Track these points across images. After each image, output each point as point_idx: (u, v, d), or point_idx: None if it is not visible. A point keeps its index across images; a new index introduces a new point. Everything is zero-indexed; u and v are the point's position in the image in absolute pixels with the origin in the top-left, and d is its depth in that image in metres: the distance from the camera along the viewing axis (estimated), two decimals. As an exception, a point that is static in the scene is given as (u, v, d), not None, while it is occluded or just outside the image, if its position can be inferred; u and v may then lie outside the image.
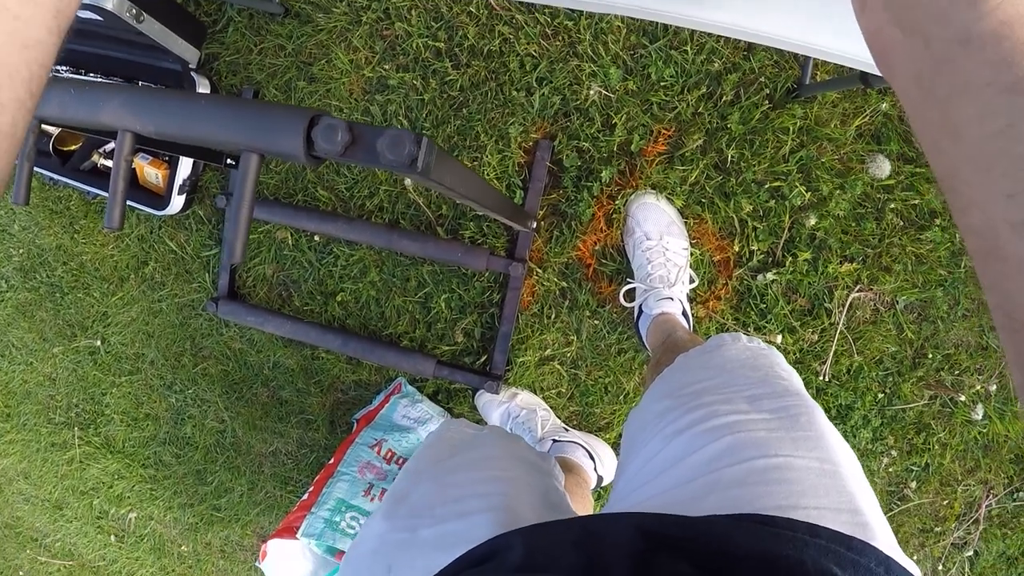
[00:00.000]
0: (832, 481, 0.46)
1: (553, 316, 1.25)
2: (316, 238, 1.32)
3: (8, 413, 1.75)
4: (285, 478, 1.49)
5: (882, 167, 1.19)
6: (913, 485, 1.25)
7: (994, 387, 1.22)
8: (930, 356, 1.21)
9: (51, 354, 1.64)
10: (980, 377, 1.22)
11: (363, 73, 1.23)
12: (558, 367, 1.28)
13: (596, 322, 1.25)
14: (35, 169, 1.40)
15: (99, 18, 1.10)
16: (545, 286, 1.24)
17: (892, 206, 1.20)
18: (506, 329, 1.24)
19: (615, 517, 0.44)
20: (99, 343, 1.57)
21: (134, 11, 1.10)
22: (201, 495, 1.58)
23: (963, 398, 1.22)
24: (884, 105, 1.18)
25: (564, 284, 1.24)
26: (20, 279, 1.63)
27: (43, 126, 1.39)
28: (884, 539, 0.42)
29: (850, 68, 1.14)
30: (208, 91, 1.25)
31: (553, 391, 1.30)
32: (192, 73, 1.26)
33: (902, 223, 1.21)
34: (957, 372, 1.21)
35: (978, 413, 1.23)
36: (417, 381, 1.34)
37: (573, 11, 1.15)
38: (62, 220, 1.52)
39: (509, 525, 0.48)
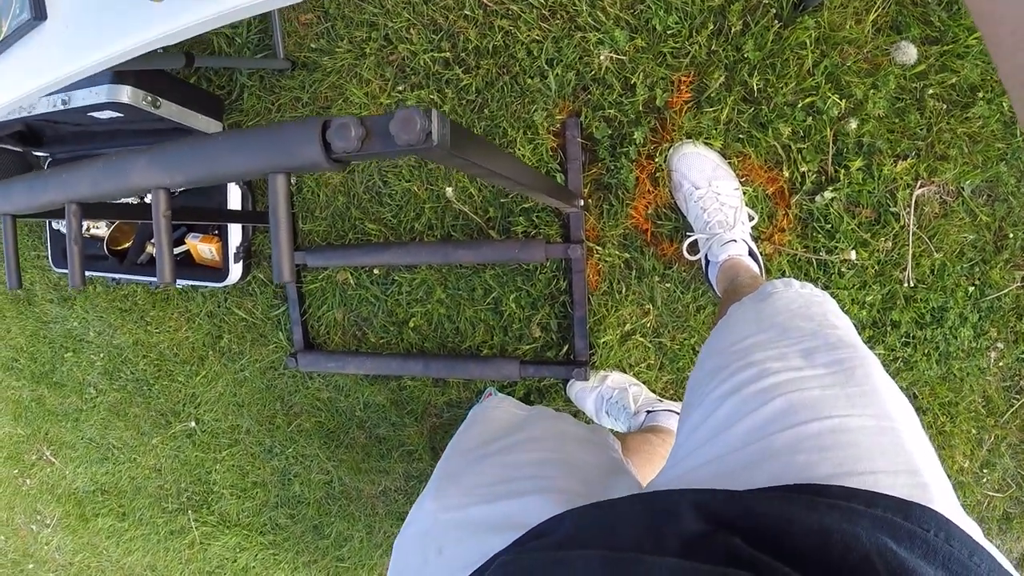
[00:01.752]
0: (889, 439, 0.44)
1: (624, 290, 1.24)
2: (376, 271, 1.34)
3: (123, 512, 1.82)
4: (400, 514, 1.51)
5: (908, 53, 1.15)
6: None
7: None
8: (1011, 235, 1.16)
9: (151, 446, 1.70)
10: (1070, 249, 1.16)
11: (380, 101, 1.25)
12: (641, 340, 1.27)
13: (668, 285, 1.24)
14: (96, 273, 1.47)
15: (120, 115, 1.15)
16: (608, 262, 1.23)
17: (931, 91, 1.15)
18: (580, 313, 1.24)
19: (666, 494, 0.43)
20: (194, 424, 1.63)
21: (149, 98, 1.15)
22: (322, 549, 1.62)
23: None
24: None
25: (627, 255, 1.23)
26: (107, 382, 1.70)
27: (92, 230, 1.45)
28: (943, 500, 0.40)
29: None
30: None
31: (642, 364, 1.29)
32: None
33: (945, 106, 1.16)
34: None
35: None
36: (507, 387, 1.35)
37: (567, -14, 1.15)
38: (133, 316, 1.59)
39: (562, 505, 0.48)
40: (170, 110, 1.20)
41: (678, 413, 1.21)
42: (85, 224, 1.49)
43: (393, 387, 1.40)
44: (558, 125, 1.21)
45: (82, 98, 1.11)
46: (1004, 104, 1.14)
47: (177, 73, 1.25)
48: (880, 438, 0.44)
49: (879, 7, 1.15)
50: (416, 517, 0.59)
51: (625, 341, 1.27)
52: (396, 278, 1.33)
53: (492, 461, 0.62)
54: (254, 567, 1.72)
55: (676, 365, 1.28)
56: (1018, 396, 1.20)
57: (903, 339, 1.19)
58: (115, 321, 1.60)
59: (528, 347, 1.31)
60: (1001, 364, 1.19)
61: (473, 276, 1.29)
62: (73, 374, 1.77)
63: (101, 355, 1.68)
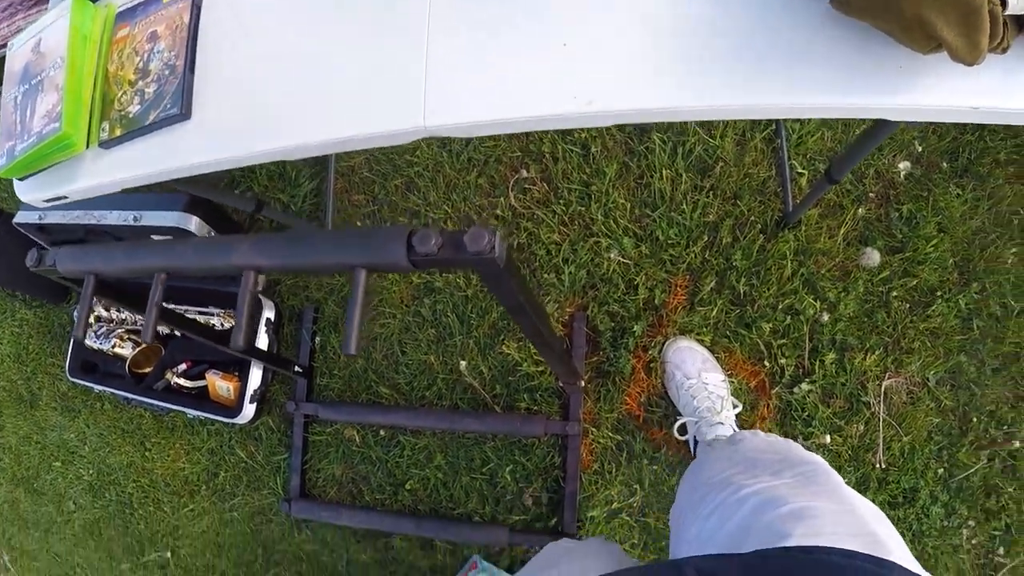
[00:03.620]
0: (850, 517, 0.52)
1: (614, 470, 1.31)
2: (382, 432, 1.41)
3: (76, 646, 1.72)
4: None
5: (872, 257, 1.30)
6: (1001, 551, 1.24)
7: None
8: (975, 419, 1.25)
9: (119, 571, 1.65)
10: (1027, 425, 1.25)
11: (411, 280, 1.38)
12: (627, 519, 1.31)
13: (655, 467, 1.31)
14: (110, 390, 1.51)
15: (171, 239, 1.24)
16: (601, 443, 1.31)
17: (895, 293, 1.29)
18: (571, 488, 1.29)
19: (673, 562, 0.50)
20: (169, 555, 1.59)
21: (210, 231, 1.25)
22: None
23: (1018, 445, 1.24)
24: (860, 211, 1.32)
25: (619, 437, 1.31)
26: (89, 499, 1.68)
27: (117, 349, 1.51)
28: (901, 554, 0.47)
29: (815, 179, 1.29)
30: (274, 315, 1.40)
31: (626, 543, 1.32)
32: (259, 296, 1.41)
33: (908, 306, 1.29)
34: (1005, 426, 1.24)
35: None
36: (492, 556, 1.37)
37: (583, 197, 1.33)
38: (134, 439, 1.61)
39: None
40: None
41: None
42: (112, 340, 1.56)
43: (380, 546, 1.41)
44: (567, 316, 1.34)
45: (153, 219, 1.21)
46: (961, 302, 1.28)
47: (233, 213, 1.35)
48: (842, 516, 0.51)
49: (848, 223, 1.32)
50: None
51: (612, 519, 1.32)
52: (400, 440, 1.39)
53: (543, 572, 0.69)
54: None
55: (659, 545, 1.32)
56: (992, 573, 1.23)
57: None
58: (114, 440, 1.62)
59: (518, 517, 1.35)
60: (974, 542, 1.23)
61: (474, 447, 1.36)
62: (56, 484, 1.74)
63: (91, 471, 1.68)
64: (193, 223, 1.22)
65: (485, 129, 0.60)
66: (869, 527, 0.50)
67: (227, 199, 1.18)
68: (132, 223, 1.23)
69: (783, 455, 0.70)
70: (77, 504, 1.70)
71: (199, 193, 1.09)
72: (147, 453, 1.61)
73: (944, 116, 0.52)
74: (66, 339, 1.71)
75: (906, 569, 0.43)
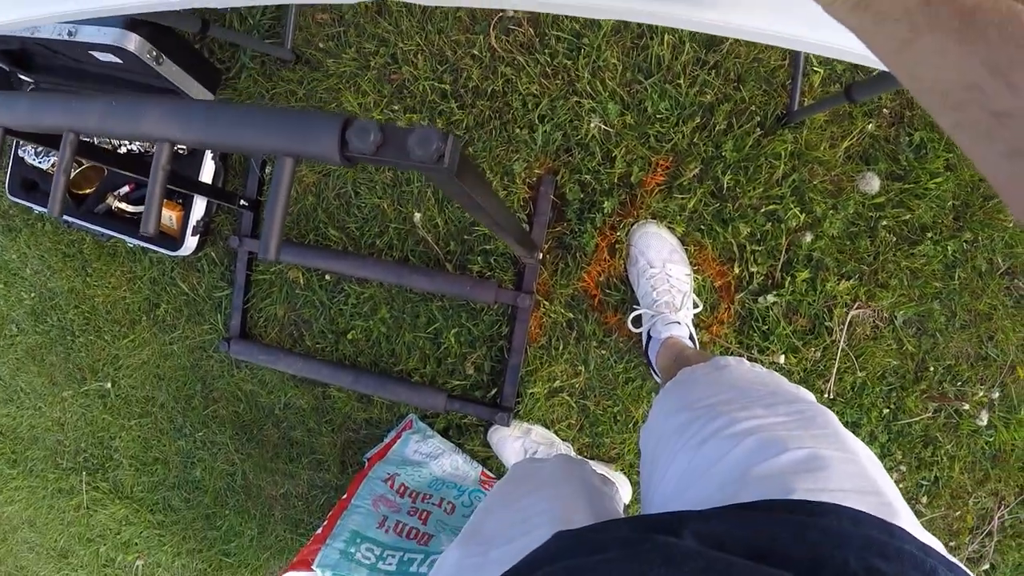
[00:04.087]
0: (854, 468, 0.48)
1: (561, 347, 1.27)
2: (327, 277, 1.35)
3: (15, 459, 1.74)
4: (296, 521, 1.48)
5: (872, 183, 1.23)
6: (924, 500, 1.25)
7: (997, 395, 1.23)
8: (932, 368, 1.23)
9: (60, 398, 1.64)
10: (983, 386, 1.23)
11: (372, 115, 1.27)
12: (567, 398, 1.29)
13: (603, 352, 1.27)
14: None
15: (119, 61, 1.14)
16: (552, 318, 1.26)
17: (884, 223, 1.23)
18: (515, 361, 1.26)
19: (662, 516, 0.46)
20: (109, 386, 1.58)
21: (154, 53, 1.14)
22: (210, 540, 1.57)
23: (967, 407, 1.23)
24: (870, 126, 1.23)
25: (571, 315, 1.26)
26: (31, 323, 1.64)
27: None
28: (908, 518, 0.44)
29: (835, 88, 1.19)
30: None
31: (563, 423, 1.30)
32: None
33: (895, 239, 1.24)
34: (959, 383, 1.23)
35: (983, 420, 1.24)
36: (428, 417, 1.35)
37: (571, 49, 1.20)
38: (75, 263, 1.55)
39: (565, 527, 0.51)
40: (170, 70, 1.19)
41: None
42: (50, 159, 1.47)
43: (318, 394, 1.39)
44: (535, 178, 1.24)
45: (90, 34, 1.10)
46: (949, 248, 1.22)
47: (186, 36, 1.26)
48: (846, 466, 0.48)
49: (854, 136, 1.22)
50: (441, 566, 0.62)
51: (552, 397, 1.29)
52: (345, 288, 1.34)
53: (509, 508, 0.67)
54: (136, 543, 1.65)
55: (595, 429, 1.30)
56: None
57: (812, 453, 1.24)
58: (55, 264, 1.56)
59: (458, 383, 1.32)
60: (901, 486, 1.25)
61: (420, 304, 1.31)
62: (-2, 307, 1.71)
63: (32, 295, 1.63)
64: (133, 42, 1.10)
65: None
66: (876, 484, 0.47)
67: (167, 19, 1.06)
68: (67, 38, 1.11)
69: (773, 387, 0.65)
70: (19, 328, 1.67)
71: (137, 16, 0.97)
72: (88, 279, 1.55)
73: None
74: (5, 154, 1.61)
75: (915, 538, 0.41)
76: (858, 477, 0.47)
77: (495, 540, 0.59)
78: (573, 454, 1.29)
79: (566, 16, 1.20)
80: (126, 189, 1.40)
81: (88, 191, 1.44)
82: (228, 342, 1.37)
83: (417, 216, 1.27)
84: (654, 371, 1.21)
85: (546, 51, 1.19)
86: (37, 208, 1.47)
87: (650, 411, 0.72)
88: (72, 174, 1.40)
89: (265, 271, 1.38)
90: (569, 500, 0.64)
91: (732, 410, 0.58)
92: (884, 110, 1.23)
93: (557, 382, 1.29)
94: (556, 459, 0.85)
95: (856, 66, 1.20)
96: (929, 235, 1.23)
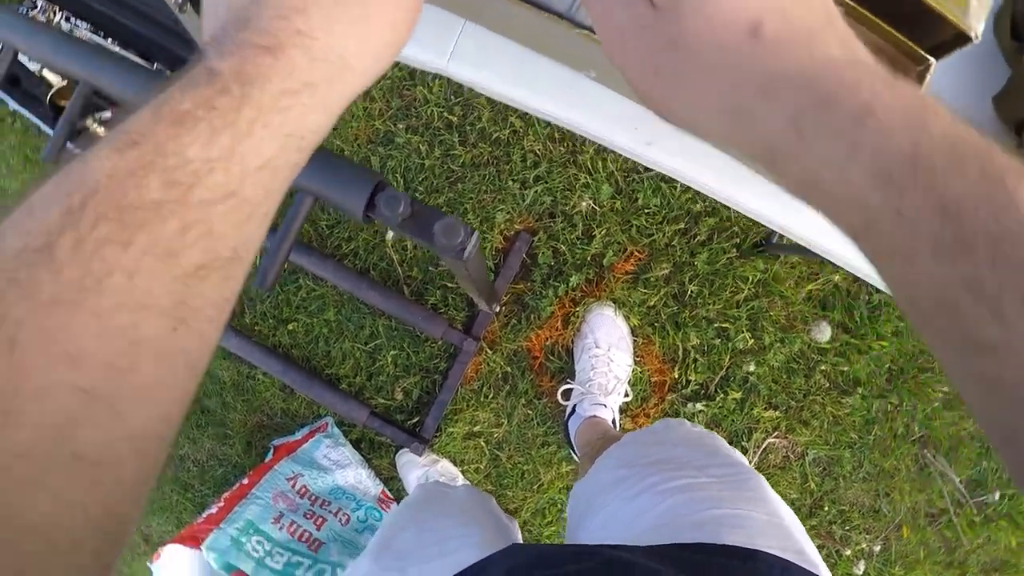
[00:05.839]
0: (779, 530, 0.52)
1: (491, 396, 1.29)
2: (284, 265, 1.33)
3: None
4: (186, 484, 1.46)
5: (823, 332, 1.29)
6: None
7: (878, 548, 1.31)
8: (826, 508, 1.30)
9: None
10: (868, 536, 1.31)
11: (374, 123, 1.27)
12: (483, 444, 1.31)
13: (529, 411, 1.30)
14: (25, 112, 1.38)
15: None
16: (490, 367, 1.28)
17: (823, 368, 1.30)
18: (444, 397, 1.27)
19: (596, 548, 0.48)
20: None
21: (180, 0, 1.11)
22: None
23: (848, 552, 1.31)
24: (837, 277, 1.29)
25: (509, 369, 1.28)
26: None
27: (46, 72, 1.37)
28: (826, 573, 0.48)
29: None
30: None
31: (473, 465, 1.33)
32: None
33: (828, 384, 1.31)
34: (848, 528, 1.30)
35: (859, 569, 1.31)
36: (344, 425, 1.35)
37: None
38: (34, 170, 1.49)
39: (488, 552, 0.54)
40: (190, 20, 1.16)
41: None
42: (38, 66, 1.40)
43: (243, 372, 1.38)
44: (513, 233, 1.26)
45: None
46: (874, 405, 1.30)
47: None
48: (772, 528, 0.51)
49: (819, 282, 1.29)
50: (353, 574, 0.63)
51: (468, 439, 1.32)
52: (300, 280, 1.33)
53: (423, 527, 0.68)
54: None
55: (502, 480, 1.33)
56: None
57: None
58: (16, 165, 1.50)
59: (383, 402, 1.33)
60: None
61: (368, 316, 1.31)
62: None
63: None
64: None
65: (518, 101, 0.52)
66: (801, 545, 0.50)
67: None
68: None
69: (712, 448, 0.68)
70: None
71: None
72: (48, 184, 1.49)
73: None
74: None
75: None
76: (783, 538, 0.50)
77: (410, 557, 0.61)
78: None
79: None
80: (108, 115, 1.36)
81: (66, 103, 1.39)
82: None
83: (390, 234, 1.28)
84: (570, 444, 1.25)
85: (559, 118, 1.21)
86: (12, 104, 1.41)
87: (587, 474, 0.75)
88: (60, 84, 1.35)
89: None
90: (485, 528, 0.66)
91: (668, 468, 0.61)
92: (851, 263, 1.29)
93: (478, 427, 1.31)
94: (465, 488, 0.88)
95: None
96: (860, 389, 1.30)
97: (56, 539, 0.18)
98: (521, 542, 0.84)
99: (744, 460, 0.67)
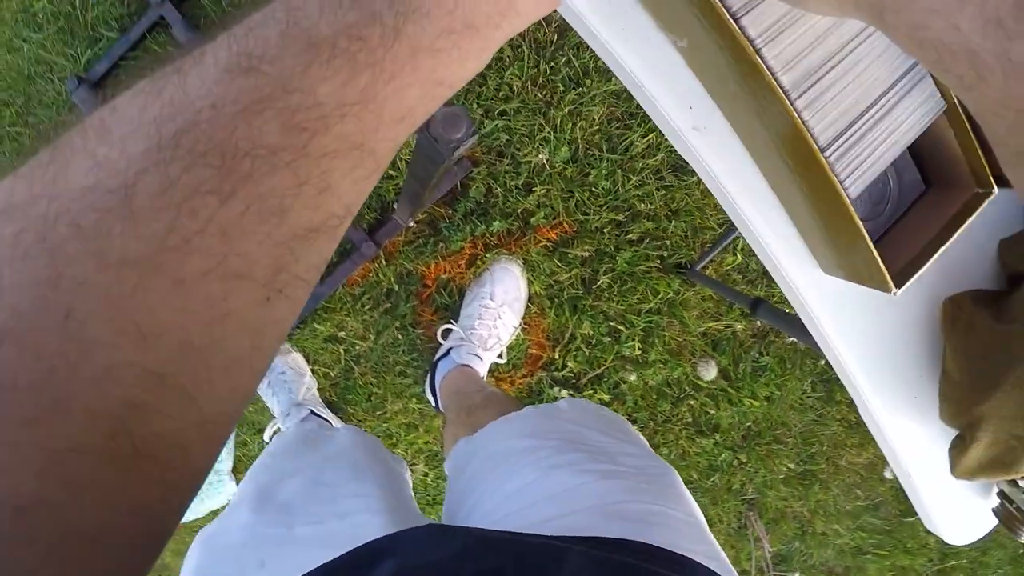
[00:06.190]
0: (699, 532, 0.50)
1: (367, 307, 1.24)
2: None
3: None
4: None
5: (710, 371, 1.31)
6: None
7: None
8: None
9: None
10: None
11: None
12: (341, 352, 1.26)
13: (400, 336, 1.25)
14: None
15: None
16: (379, 278, 1.23)
17: (691, 403, 1.31)
18: (321, 291, 1.21)
19: (505, 536, 0.43)
20: None
21: None
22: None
23: None
24: (739, 326, 1.30)
25: (396, 287, 1.23)
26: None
27: None
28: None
29: (739, 269, 1.26)
30: None
31: (323, 370, 1.27)
32: None
33: (690, 419, 1.32)
34: None
35: None
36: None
37: (570, 80, 1.18)
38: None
39: (388, 528, 0.51)
40: None
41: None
42: None
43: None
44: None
45: None
46: (722, 456, 1.33)
47: None
48: (693, 529, 0.50)
49: (721, 324, 1.29)
50: (231, 526, 0.57)
51: (329, 342, 1.26)
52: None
53: (312, 479, 0.63)
54: None
55: (346, 395, 1.29)
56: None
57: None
58: None
59: (260, 271, 1.25)
60: None
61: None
62: None
63: None
64: None
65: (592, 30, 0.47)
66: (717, 551, 0.49)
67: None
68: None
69: (628, 438, 0.65)
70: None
71: None
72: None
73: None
74: None
75: None
76: (703, 542, 0.49)
77: (297, 513, 0.57)
78: (315, 392, 1.26)
79: (588, 49, 1.18)
80: None
81: None
82: (79, 82, 1.22)
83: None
84: (432, 385, 1.21)
85: (551, 62, 1.17)
86: None
87: (480, 432, 0.69)
88: None
89: (163, 48, 1.25)
90: (383, 487, 0.62)
91: (587, 450, 0.58)
92: (758, 323, 1.31)
93: (343, 333, 1.25)
94: (349, 431, 0.82)
95: (770, 283, 1.27)
96: (717, 436, 1.32)
97: (104, 541, 0.15)
98: (408, 482, 0.81)
99: (652, 451, 0.65)
